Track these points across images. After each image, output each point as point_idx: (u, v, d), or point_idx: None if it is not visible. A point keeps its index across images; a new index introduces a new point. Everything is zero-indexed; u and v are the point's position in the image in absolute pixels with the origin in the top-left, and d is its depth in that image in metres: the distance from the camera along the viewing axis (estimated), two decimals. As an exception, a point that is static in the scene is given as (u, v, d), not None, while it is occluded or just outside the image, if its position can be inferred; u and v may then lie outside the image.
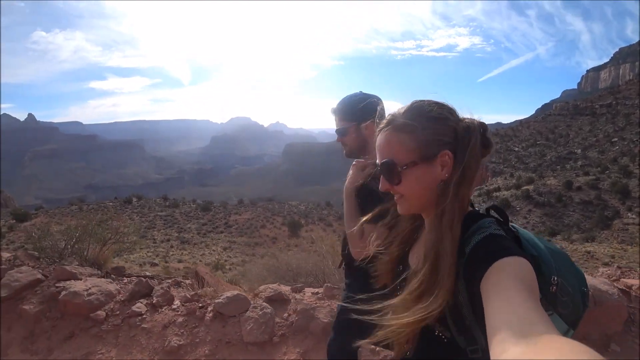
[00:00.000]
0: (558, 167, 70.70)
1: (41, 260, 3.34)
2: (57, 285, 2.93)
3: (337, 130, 1.66)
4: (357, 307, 0.87)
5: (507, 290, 0.62)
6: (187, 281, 3.33)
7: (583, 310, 0.90)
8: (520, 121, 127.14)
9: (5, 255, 3.34)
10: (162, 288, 2.98)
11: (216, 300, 2.82)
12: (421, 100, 0.88)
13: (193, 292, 3.00)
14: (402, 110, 0.87)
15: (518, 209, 49.97)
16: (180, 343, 2.57)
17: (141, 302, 2.87)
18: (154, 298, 2.91)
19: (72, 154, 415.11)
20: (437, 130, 0.83)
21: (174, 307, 2.87)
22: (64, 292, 2.80)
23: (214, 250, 28.44)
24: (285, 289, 3.12)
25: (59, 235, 3.58)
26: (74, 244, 3.35)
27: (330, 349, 1.73)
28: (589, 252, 26.02)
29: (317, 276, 4.33)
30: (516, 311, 0.57)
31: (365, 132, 1.56)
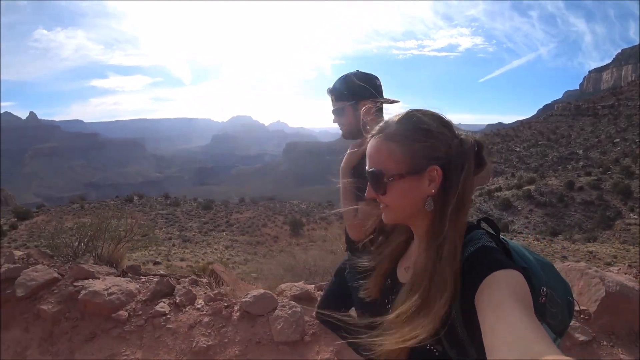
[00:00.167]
0: (560, 167, 70.58)
1: (55, 258, 3.27)
2: (74, 284, 2.86)
3: (333, 111, 1.62)
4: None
5: (502, 305, 0.61)
6: (204, 279, 3.27)
7: (569, 319, 0.92)
8: (522, 121, 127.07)
9: (18, 253, 3.27)
10: (184, 287, 2.92)
11: (243, 299, 2.76)
12: (417, 110, 0.84)
13: (216, 291, 2.94)
14: (396, 119, 0.84)
15: (519, 209, 49.94)
16: (209, 344, 2.52)
17: (164, 302, 2.82)
18: (177, 297, 2.86)
19: (73, 152, 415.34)
20: (428, 144, 0.79)
21: (198, 306, 2.83)
22: (83, 292, 2.74)
23: (215, 249, 28.43)
24: (310, 287, 3.05)
25: (72, 233, 3.50)
26: (87, 242, 3.27)
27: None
28: (591, 252, 25.98)
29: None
30: (513, 329, 0.56)
31: (362, 112, 1.51)
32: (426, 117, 0.82)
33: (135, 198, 46.74)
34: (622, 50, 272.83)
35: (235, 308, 2.77)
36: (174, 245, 28.78)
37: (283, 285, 3.07)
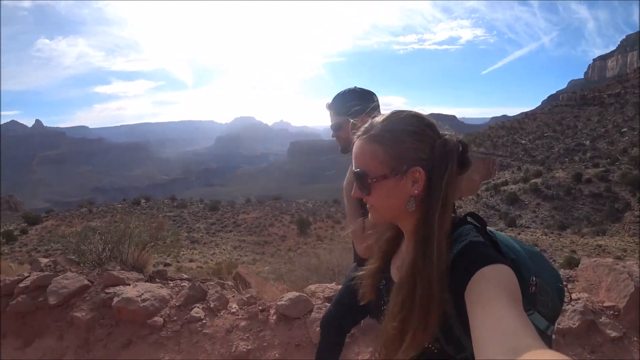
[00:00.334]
0: (566, 159, 69.97)
1: (81, 265, 3.30)
2: (106, 291, 2.86)
3: (332, 126, 1.67)
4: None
5: (490, 300, 0.62)
6: (229, 282, 3.30)
7: (560, 305, 0.94)
8: (527, 113, 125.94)
9: (44, 260, 3.31)
10: (216, 292, 2.93)
11: (278, 303, 2.77)
12: (401, 112, 0.85)
13: (249, 295, 2.96)
14: (380, 120, 0.85)
15: (526, 202, 49.64)
16: (249, 348, 2.52)
17: (198, 307, 2.80)
18: (210, 302, 2.84)
19: (79, 157, 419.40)
20: (411, 145, 0.81)
21: (232, 310, 2.81)
22: (116, 299, 2.73)
23: (224, 250, 28.64)
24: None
25: (96, 239, 3.54)
26: (112, 248, 3.32)
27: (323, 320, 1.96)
28: (600, 246, 25.79)
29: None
30: (500, 323, 0.57)
31: (350, 128, 1.59)
32: (410, 118, 0.84)
33: (143, 201, 47.12)
34: (626, 36, 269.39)
35: (272, 311, 2.78)
36: (182, 246, 29.02)
37: (312, 287, 3.07)
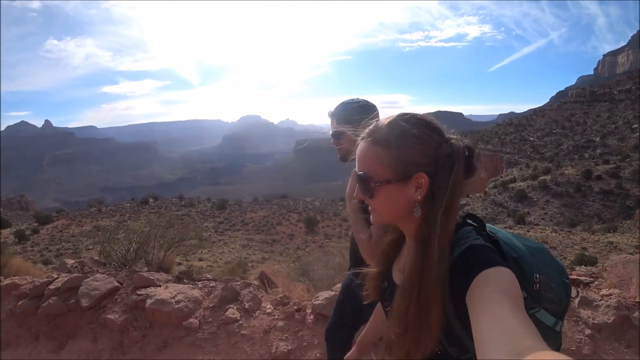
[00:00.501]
0: (576, 156, 69.03)
1: (107, 266, 3.31)
2: (137, 292, 2.84)
3: (332, 133, 1.68)
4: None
5: (490, 303, 0.62)
6: (255, 282, 3.30)
7: (567, 301, 0.93)
8: (535, 110, 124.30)
9: (70, 261, 3.33)
10: (249, 292, 2.91)
11: (314, 302, 2.75)
12: (407, 115, 0.84)
13: (282, 295, 2.96)
14: (386, 122, 0.84)
15: (535, 200, 49.13)
16: (289, 348, 2.51)
17: (232, 308, 2.79)
18: (245, 303, 2.83)
19: (88, 157, 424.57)
20: (416, 150, 0.79)
21: (267, 311, 2.80)
22: (149, 301, 2.71)
23: (232, 248, 28.78)
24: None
25: (121, 240, 3.56)
26: (137, 249, 3.35)
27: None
28: (611, 243, 25.46)
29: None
30: (502, 325, 0.57)
31: (347, 140, 1.60)
32: (415, 121, 0.82)
33: (151, 200, 47.45)
34: (637, 31, 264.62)
35: (308, 311, 2.76)
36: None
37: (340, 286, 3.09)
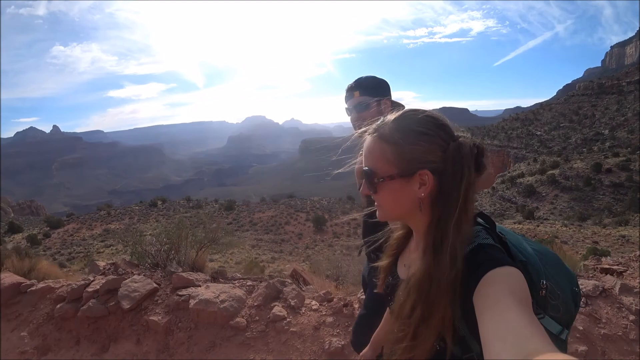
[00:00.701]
0: (584, 149, 68.26)
1: (140, 267, 3.30)
2: (178, 293, 2.82)
3: (357, 105, 1.62)
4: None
5: (498, 303, 0.62)
6: (288, 280, 3.29)
7: (575, 310, 0.90)
8: (542, 104, 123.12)
9: (101, 263, 3.34)
10: (293, 289, 2.89)
11: (359, 297, 2.75)
12: (414, 111, 0.83)
13: (325, 291, 2.94)
14: (392, 118, 0.83)
15: (544, 194, 48.69)
16: (342, 343, 2.47)
17: (278, 305, 2.77)
18: (290, 300, 2.81)
19: (96, 161, 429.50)
20: (421, 147, 0.79)
21: (313, 307, 2.79)
22: (193, 301, 2.68)
23: (242, 249, 28.92)
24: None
25: (151, 240, 3.58)
26: (169, 249, 3.33)
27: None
28: (623, 237, 25.13)
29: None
30: (510, 326, 0.57)
31: (384, 108, 1.58)
32: (422, 118, 0.81)
33: (159, 202, 47.80)
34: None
35: (355, 306, 2.74)
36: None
37: None
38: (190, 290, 2.83)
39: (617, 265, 3.15)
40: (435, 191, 0.79)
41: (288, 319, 2.66)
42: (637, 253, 3.25)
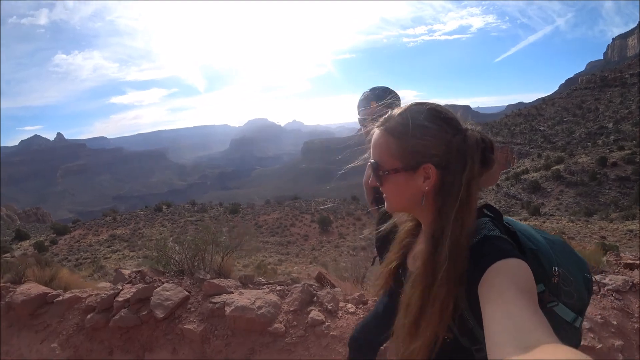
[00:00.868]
0: (589, 143, 67.72)
1: (166, 274, 3.29)
2: (212, 300, 2.78)
3: (374, 118, 1.69)
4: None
5: (501, 295, 0.62)
6: (314, 283, 3.27)
7: (588, 296, 0.91)
8: (544, 99, 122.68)
9: (126, 272, 3.31)
10: (328, 293, 2.86)
11: None
12: (420, 104, 0.83)
13: (359, 293, 2.93)
14: (398, 112, 0.84)
15: (549, 190, 48.40)
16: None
17: (315, 310, 2.74)
18: (326, 304, 2.78)
19: (100, 167, 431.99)
20: (425, 140, 0.79)
21: (350, 310, 2.76)
22: (229, 308, 2.65)
23: (249, 251, 28.99)
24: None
25: (174, 247, 3.58)
26: (193, 256, 3.31)
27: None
28: (631, 231, 24.94)
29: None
30: (513, 317, 0.57)
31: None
32: (427, 112, 0.81)
33: (164, 207, 47.98)
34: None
35: None
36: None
37: None
38: (224, 297, 2.82)
39: (638, 260, 3.16)
40: (439, 185, 0.80)
41: (327, 323, 2.63)
42: None
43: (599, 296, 2.85)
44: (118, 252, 29.24)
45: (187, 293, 2.89)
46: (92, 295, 3.02)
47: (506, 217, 0.88)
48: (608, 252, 3.90)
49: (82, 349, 2.67)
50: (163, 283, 2.98)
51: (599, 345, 2.43)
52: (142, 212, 46.49)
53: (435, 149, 0.79)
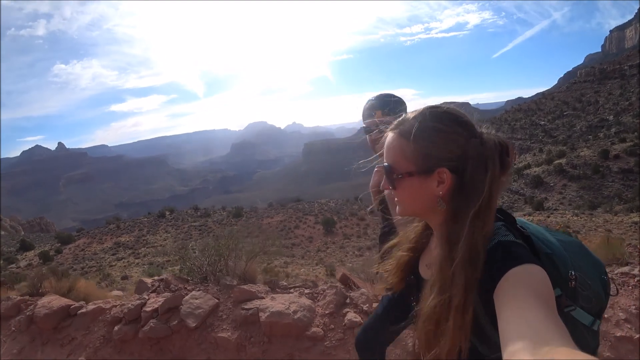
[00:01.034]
0: (590, 136, 67.45)
1: (189, 282, 3.23)
2: (244, 307, 2.71)
3: (381, 126, 1.68)
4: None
5: (518, 301, 0.61)
6: (339, 285, 3.22)
7: (606, 299, 0.89)
8: (543, 93, 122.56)
9: (148, 280, 3.27)
10: (362, 294, 2.81)
11: None
12: (435, 107, 0.83)
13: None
14: (412, 115, 0.83)
15: (552, 184, 48.27)
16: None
17: (350, 312, 2.68)
18: (361, 305, 2.72)
19: (102, 175, 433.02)
20: (441, 144, 0.78)
21: None
22: (263, 314, 2.59)
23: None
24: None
25: (196, 254, 3.55)
26: (216, 262, 3.25)
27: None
28: (636, 223, 24.80)
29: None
30: (529, 323, 0.56)
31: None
32: (442, 115, 0.81)
33: (167, 213, 48.01)
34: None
35: None
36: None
37: None
38: (256, 302, 2.78)
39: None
40: (455, 189, 0.79)
41: (365, 325, 2.62)
42: None
43: (630, 287, 2.83)
44: (123, 260, 29.28)
45: (216, 300, 2.84)
46: (116, 306, 2.97)
47: (519, 219, 0.87)
48: (627, 245, 3.90)
49: (111, 363, 2.59)
50: (189, 291, 2.93)
51: (637, 335, 2.42)
52: (145, 219, 46.55)
53: (451, 152, 0.78)
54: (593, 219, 28.18)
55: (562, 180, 48.21)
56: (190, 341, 2.63)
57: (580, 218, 28.58)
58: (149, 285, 3.18)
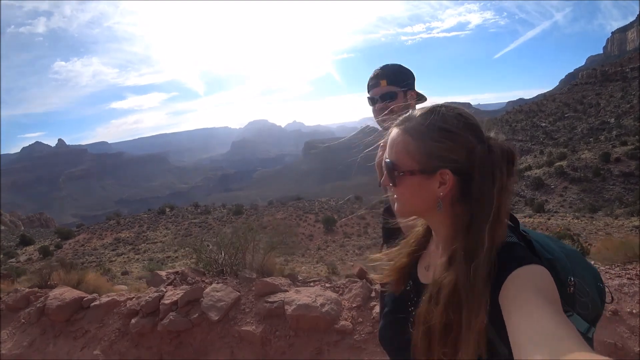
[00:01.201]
0: (591, 139, 67.41)
1: (206, 275, 3.16)
2: (267, 300, 2.63)
3: (384, 95, 1.54)
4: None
5: (527, 304, 0.60)
6: (357, 279, 3.18)
7: (601, 306, 0.89)
8: (545, 94, 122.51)
9: (162, 273, 3.16)
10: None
11: None
12: (443, 106, 0.80)
13: None
14: (419, 113, 0.81)
15: (552, 187, 48.19)
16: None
17: (377, 305, 2.48)
18: None
19: (102, 172, 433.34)
20: (445, 145, 0.76)
21: None
22: (289, 307, 2.51)
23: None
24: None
25: (212, 248, 3.49)
26: (234, 254, 3.24)
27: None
28: (637, 227, 24.83)
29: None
30: (539, 326, 0.55)
31: (409, 99, 1.53)
32: (449, 116, 0.78)
33: (167, 210, 47.97)
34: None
35: None
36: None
37: None
38: (280, 295, 2.71)
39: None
40: (456, 192, 0.77)
41: (394, 319, 2.56)
42: None
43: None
44: (123, 255, 29.26)
45: (238, 293, 2.77)
46: (131, 298, 2.90)
47: (521, 226, 0.85)
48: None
49: (129, 356, 2.53)
50: (207, 284, 2.85)
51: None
52: (145, 215, 46.49)
53: (456, 154, 0.76)
54: (594, 222, 28.14)
55: (562, 183, 48.17)
56: (212, 335, 2.55)
57: (581, 221, 28.55)
58: (164, 278, 3.08)
